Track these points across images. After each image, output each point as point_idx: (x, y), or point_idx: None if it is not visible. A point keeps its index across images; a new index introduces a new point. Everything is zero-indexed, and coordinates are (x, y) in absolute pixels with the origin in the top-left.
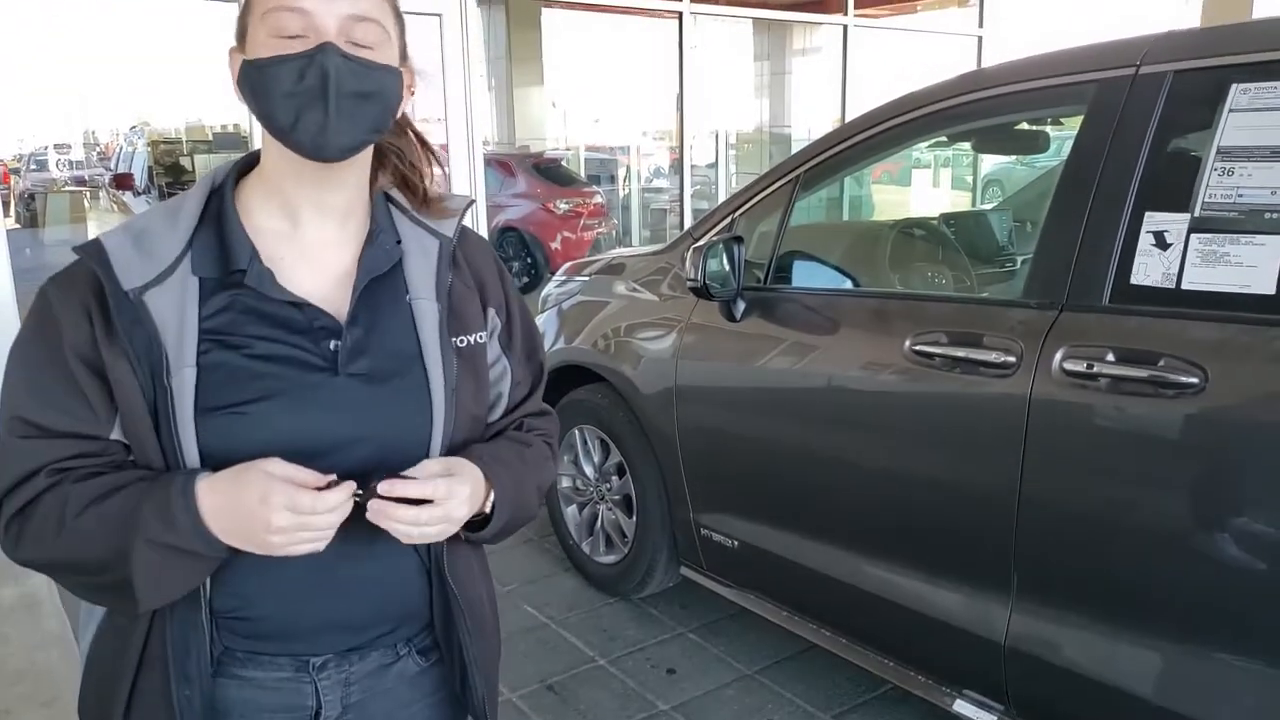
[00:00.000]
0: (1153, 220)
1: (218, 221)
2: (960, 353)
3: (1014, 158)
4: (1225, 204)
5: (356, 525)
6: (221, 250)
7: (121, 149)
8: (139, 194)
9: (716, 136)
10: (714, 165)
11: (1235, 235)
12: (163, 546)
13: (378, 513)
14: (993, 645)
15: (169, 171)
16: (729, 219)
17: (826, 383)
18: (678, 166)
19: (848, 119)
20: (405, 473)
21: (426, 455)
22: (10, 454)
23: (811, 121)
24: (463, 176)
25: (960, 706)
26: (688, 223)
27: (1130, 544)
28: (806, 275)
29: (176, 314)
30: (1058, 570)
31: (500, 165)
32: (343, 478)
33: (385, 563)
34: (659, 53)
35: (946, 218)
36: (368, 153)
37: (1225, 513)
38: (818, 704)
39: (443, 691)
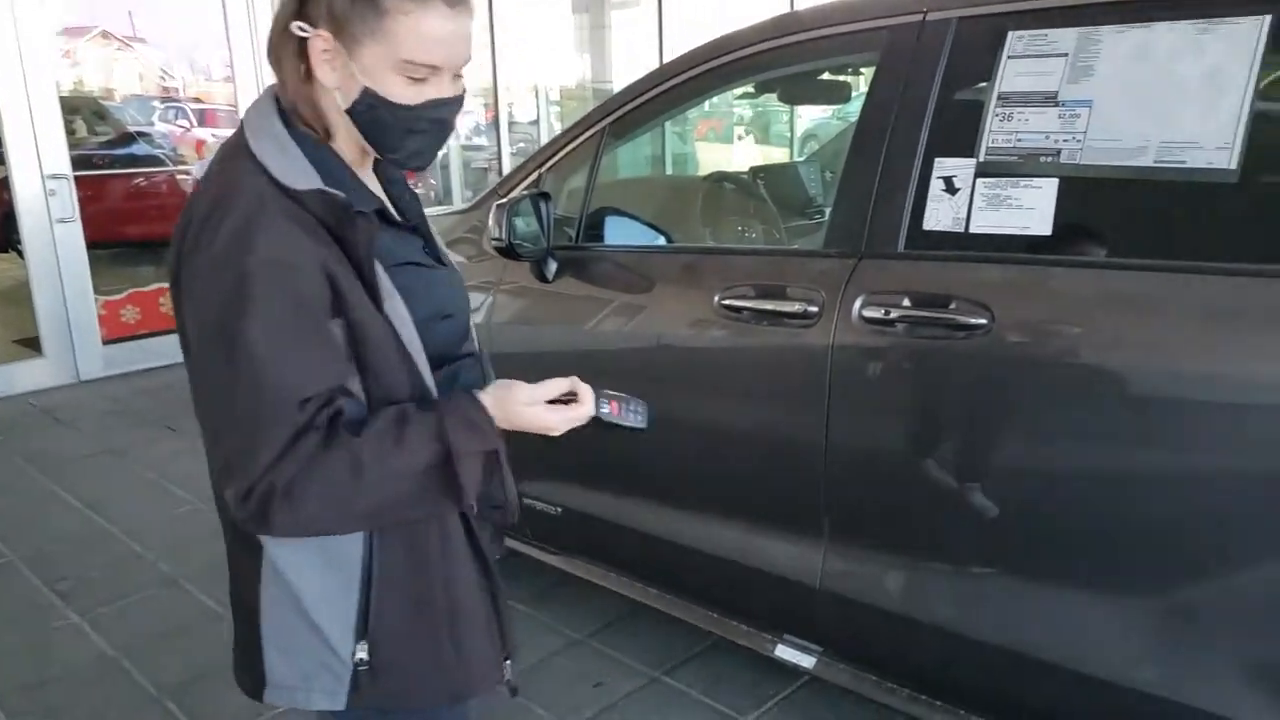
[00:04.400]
0: (942, 166)
1: (337, 171)
2: (766, 305)
3: (829, 111)
4: (1006, 149)
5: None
6: (362, 194)
7: None
8: None
9: (537, 92)
10: (535, 122)
11: (1016, 179)
12: (475, 454)
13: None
14: (808, 590)
15: None
16: (536, 174)
17: (642, 341)
18: (496, 124)
19: None
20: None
21: (469, 321)
22: (281, 423)
23: (632, 76)
24: None
25: (781, 651)
26: None
27: (931, 484)
28: (618, 232)
29: (368, 250)
30: (865, 513)
31: None
32: (451, 345)
33: None
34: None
35: (756, 171)
36: None
37: (1015, 448)
38: (649, 662)
39: None
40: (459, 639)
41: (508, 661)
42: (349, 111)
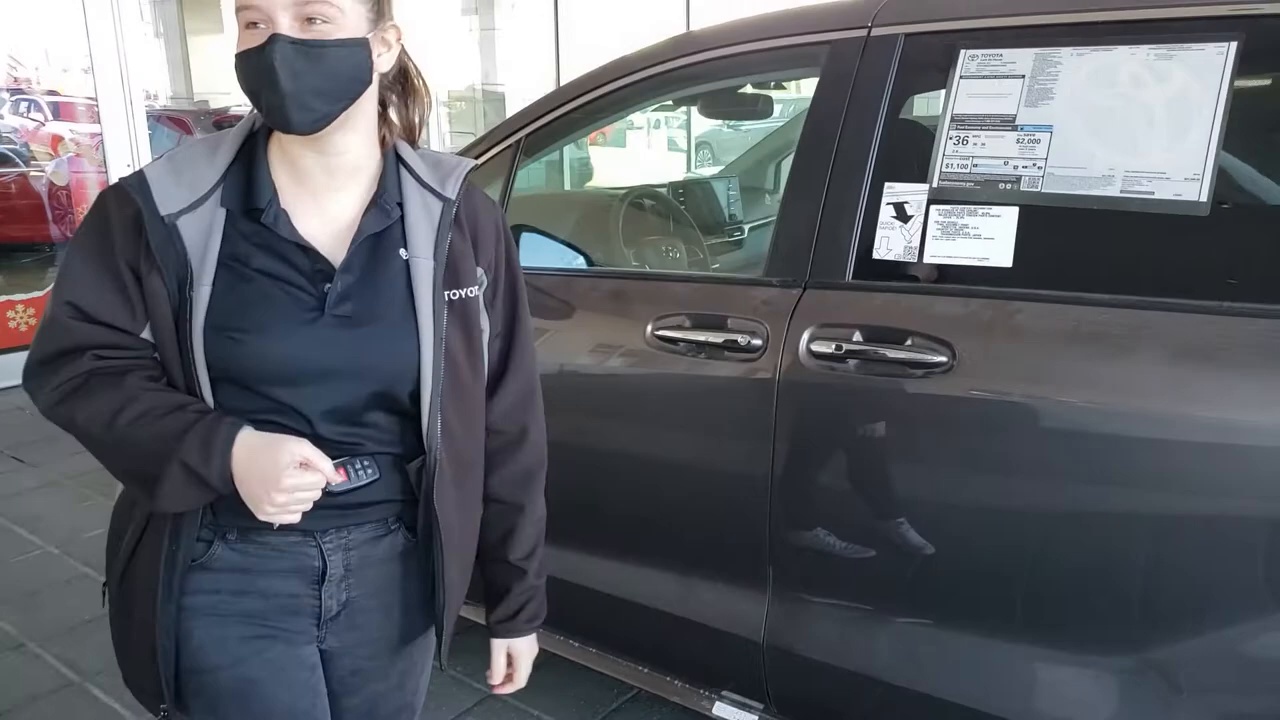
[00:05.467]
0: (893, 191)
1: (249, 161)
2: (705, 336)
3: (721, 121)
4: (961, 174)
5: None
6: (248, 187)
7: None
8: None
9: None
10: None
11: (972, 206)
12: (192, 472)
13: None
14: (751, 644)
15: None
16: None
17: (565, 374)
18: None
19: (563, 77)
20: None
21: (416, 395)
22: (60, 329)
23: (526, 80)
24: (120, 134)
25: (720, 709)
26: None
27: (885, 533)
28: (535, 252)
29: (203, 239)
30: (813, 563)
31: (175, 123)
32: (329, 408)
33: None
34: None
35: (676, 187)
36: (361, 115)
37: (978, 494)
38: (567, 718)
39: (424, 572)
40: (131, 642)
41: (162, 710)
42: None
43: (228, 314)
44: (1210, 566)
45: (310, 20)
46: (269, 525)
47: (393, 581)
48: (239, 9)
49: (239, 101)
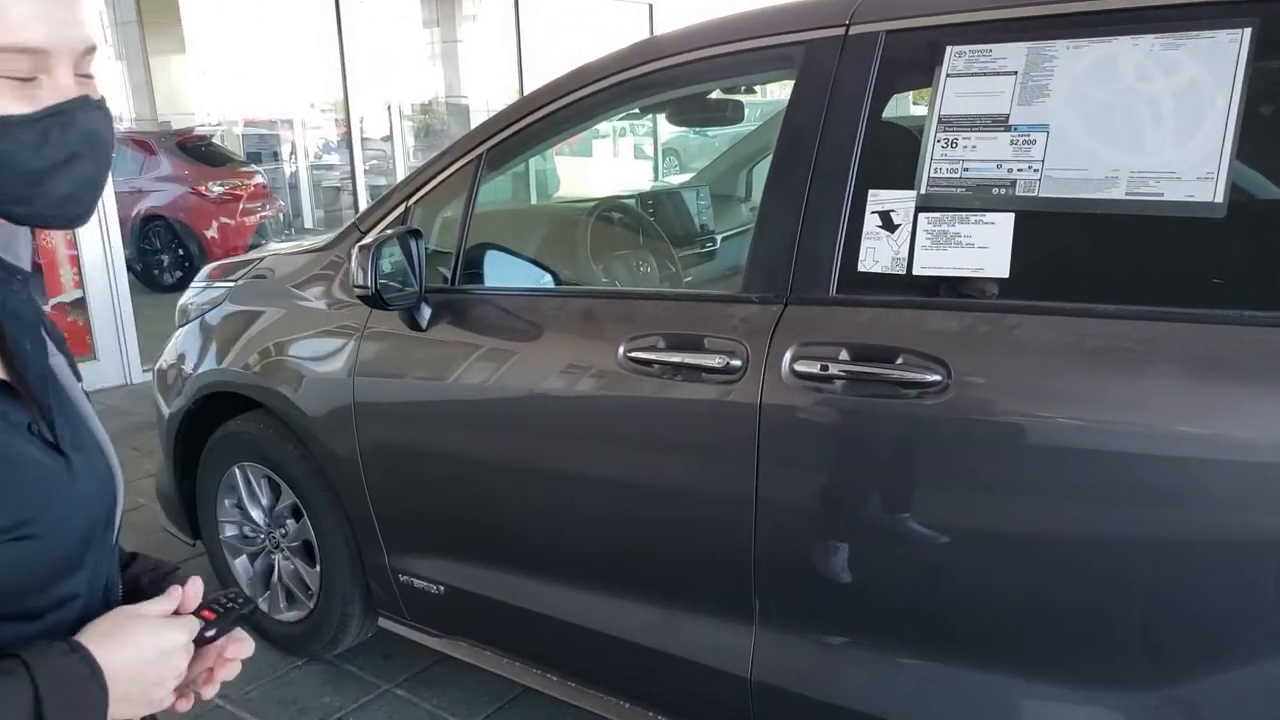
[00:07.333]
0: (877, 199)
1: None
2: (681, 358)
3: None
4: (951, 179)
5: None
6: None
7: None
8: None
9: (389, 108)
10: (389, 138)
11: (964, 213)
12: None
13: None
14: (738, 680)
15: None
16: (403, 207)
17: (536, 399)
18: (348, 140)
19: (526, 88)
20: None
21: (115, 515)
22: None
23: (489, 91)
24: None
25: None
26: (362, 199)
27: (877, 562)
28: (501, 272)
29: None
30: (803, 594)
31: (137, 145)
32: (99, 570)
33: None
34: (316, 18)
35: (644, 198)
36: None
37: (977, 521)
38: None
39: None
40: None
41: None
42: None
43: None
44: (1234, 593)
45: (86, 76)
46: None
47: None
48: (4, 49)
49: (201, 121)
